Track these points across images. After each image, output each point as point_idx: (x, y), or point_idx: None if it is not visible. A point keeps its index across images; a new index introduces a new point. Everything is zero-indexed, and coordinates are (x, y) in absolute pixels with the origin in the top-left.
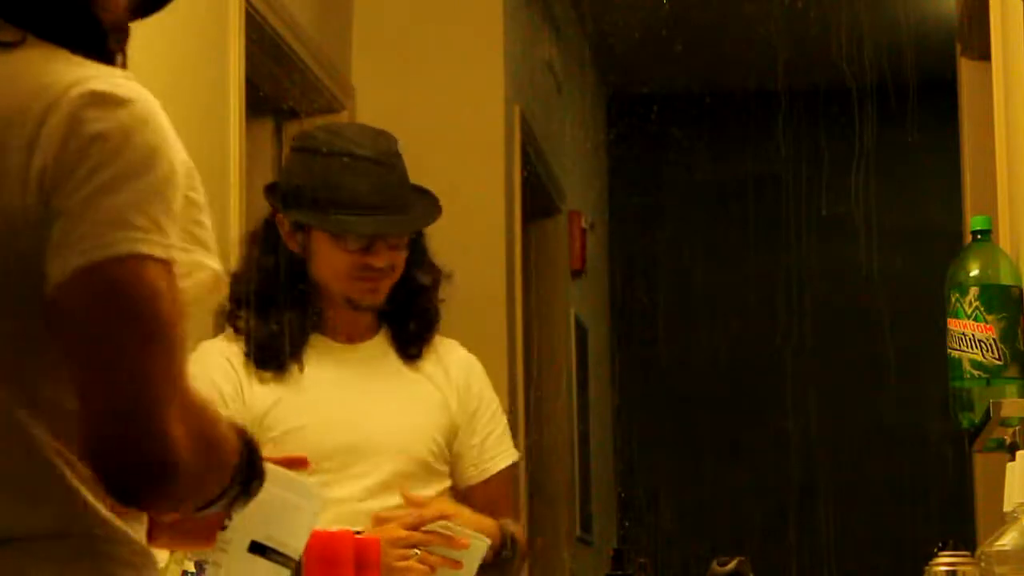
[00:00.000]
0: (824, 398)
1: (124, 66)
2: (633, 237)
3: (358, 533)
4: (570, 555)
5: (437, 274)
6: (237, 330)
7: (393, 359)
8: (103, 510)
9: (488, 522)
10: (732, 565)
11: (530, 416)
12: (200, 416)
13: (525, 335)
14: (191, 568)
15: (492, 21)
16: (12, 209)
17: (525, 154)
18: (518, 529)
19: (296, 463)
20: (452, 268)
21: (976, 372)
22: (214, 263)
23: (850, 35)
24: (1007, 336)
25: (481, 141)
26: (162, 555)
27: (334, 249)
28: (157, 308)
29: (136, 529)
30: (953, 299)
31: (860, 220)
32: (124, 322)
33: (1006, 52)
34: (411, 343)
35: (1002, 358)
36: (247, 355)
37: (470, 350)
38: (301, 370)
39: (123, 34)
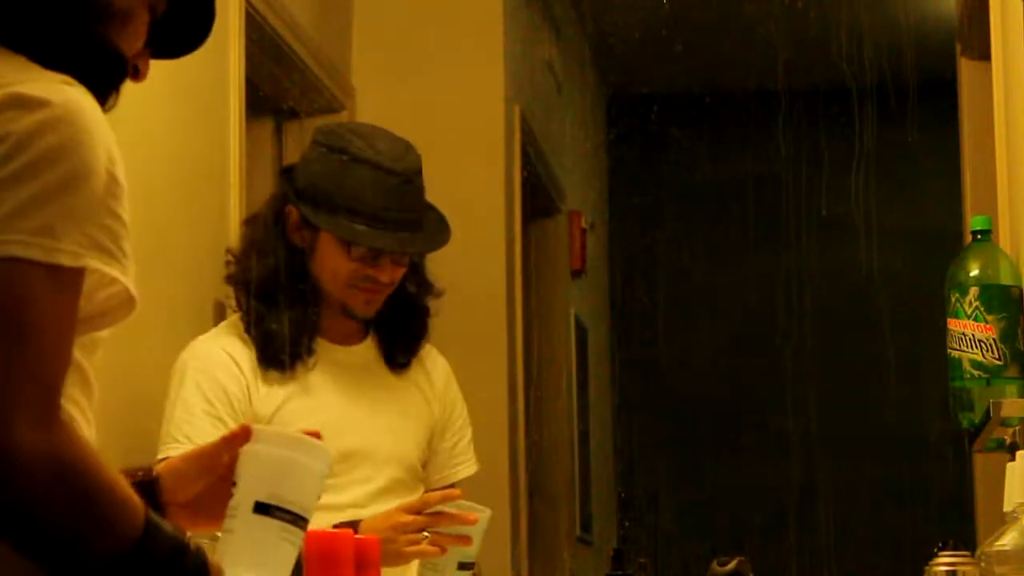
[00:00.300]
0: (824, 398)
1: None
2: (633, 237)
3: (351, 526)
4: (570, 555)
5: (430, 288)
6: (248, 328)
7: (380, 365)
8: None
9: None
10: (732, 565)
11: (530, 416)
12: (73, 446)
13: (525, 335)
14: None
15: (492, 21)
16: None
17: (525, 154)
18: None
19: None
20: (452, 269)
21: (976, 372)
22: (121, 276)
23: (850, 35)
24: (1007, 336)
25: (481, 141)
26: None
27: (339, 254)
28: (25, 313)
29: None
30: (953, 299)
31: (860, 220)
32: None
33: (1006, 52)
34: (399, 353)
35: (1002, 358)
36: (256, 352)
37: (470, 350)
38: (310, 366)
39: (128, 62)
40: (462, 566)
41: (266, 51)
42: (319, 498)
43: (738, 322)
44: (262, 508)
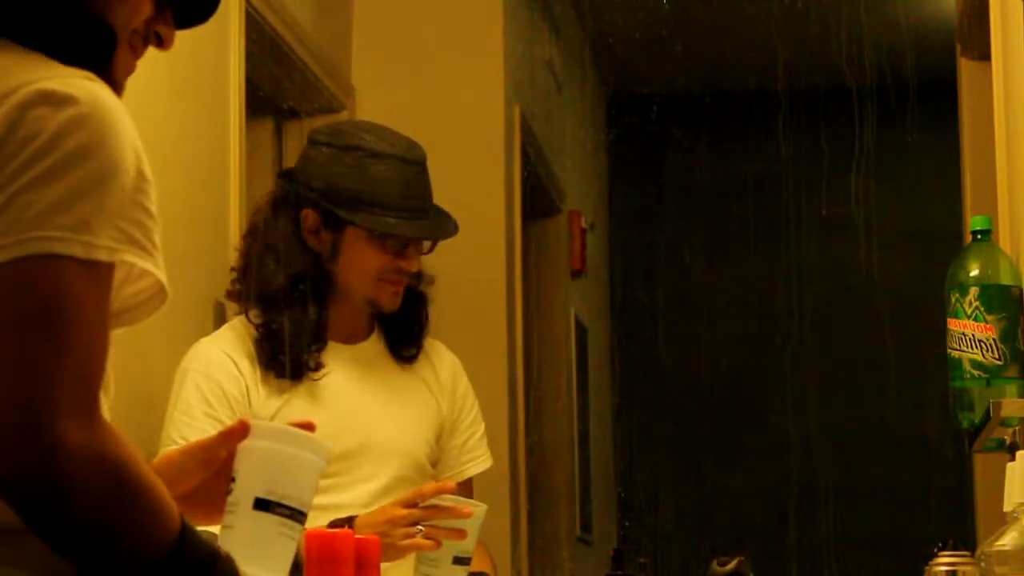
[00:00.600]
0: (824, 398)
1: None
2: (633, 237)
3: (347, 522)
4: (570, 555)
5: (423, 276)
6: (257, 329)
7: (388, 360)
8: None
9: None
10: (732, 565)
11: (530, 416)
12: (117, 444)
13: (525, 335)
14: None
15: (492, 21)
16: None
17: (525, 154)
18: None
19: (303, 428)
20: (452, 268)
21: (976, 372)
22: (155, 269)
23: (850, 35)
24: (1007, 336)
25: (481, 141)
26: None
27: (370, 250)
28: (65, 309)
29: None
30: (953, 299)
31: (860, 220)
32: (28, 321)
33: (1006, 52)
34: (407, 345)
35: (1002, 358)
36: (260, 357)
37: (470, 350)
38: (316, 372)
39: (136, 37)
40: (458, 560)
41: (266, 51)
42: (316, 491)
43: (738, 322)
44: (262, 504)
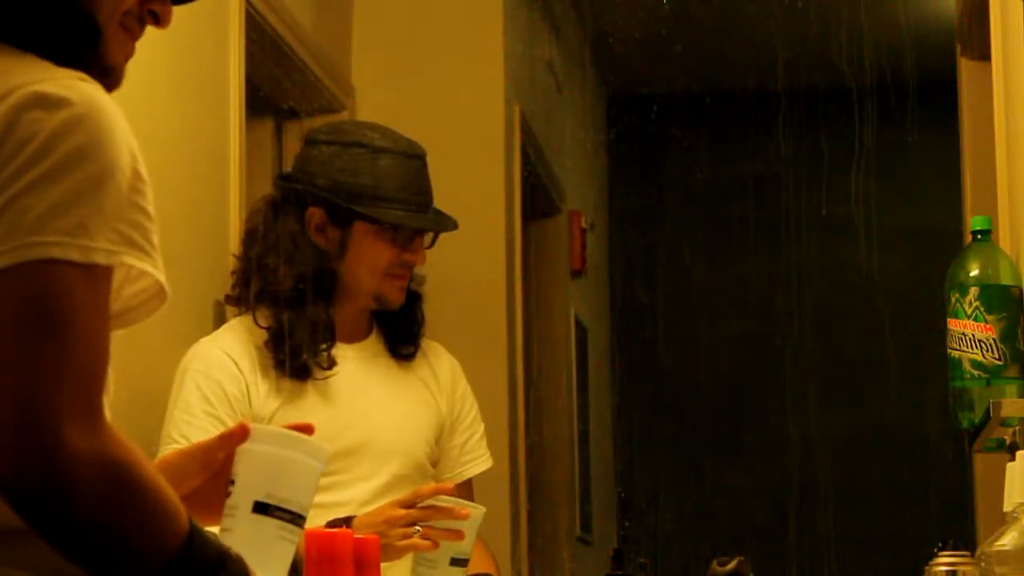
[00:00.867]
0: (824, 398)
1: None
2: (633, 237)
3: (345, 522)
4: (570, 555)
5: (420, 279)
6: (268, 331)
7: (387, 359)
8: None
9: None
10: (732, 565)
11: (530, 416)
12: (120, 446)
13: (525, 335)
14: None
15: (492, 21)
16: None
17: (525, 154)
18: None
19: (302, 431)
20: (452, 268)
21: (976, 372)
22: (153, 270)
23: (850, 35)
24: (1007, 336)
25: (481, 141)
26: None
27: (379, 244)
28: (66, 314)
29: None
30: (953, 299)
31: (860, 220)
32: (28, 326)
33: (1006, 52)
34: (405, 344)
35: (1002, 358)
36: (270, 358)
37: (470, 350)
38: (329, 371)
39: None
40: (455, 562)
41: (266, 51)
42: (315, 494)
43: (738, 322)
44: (261, 508)
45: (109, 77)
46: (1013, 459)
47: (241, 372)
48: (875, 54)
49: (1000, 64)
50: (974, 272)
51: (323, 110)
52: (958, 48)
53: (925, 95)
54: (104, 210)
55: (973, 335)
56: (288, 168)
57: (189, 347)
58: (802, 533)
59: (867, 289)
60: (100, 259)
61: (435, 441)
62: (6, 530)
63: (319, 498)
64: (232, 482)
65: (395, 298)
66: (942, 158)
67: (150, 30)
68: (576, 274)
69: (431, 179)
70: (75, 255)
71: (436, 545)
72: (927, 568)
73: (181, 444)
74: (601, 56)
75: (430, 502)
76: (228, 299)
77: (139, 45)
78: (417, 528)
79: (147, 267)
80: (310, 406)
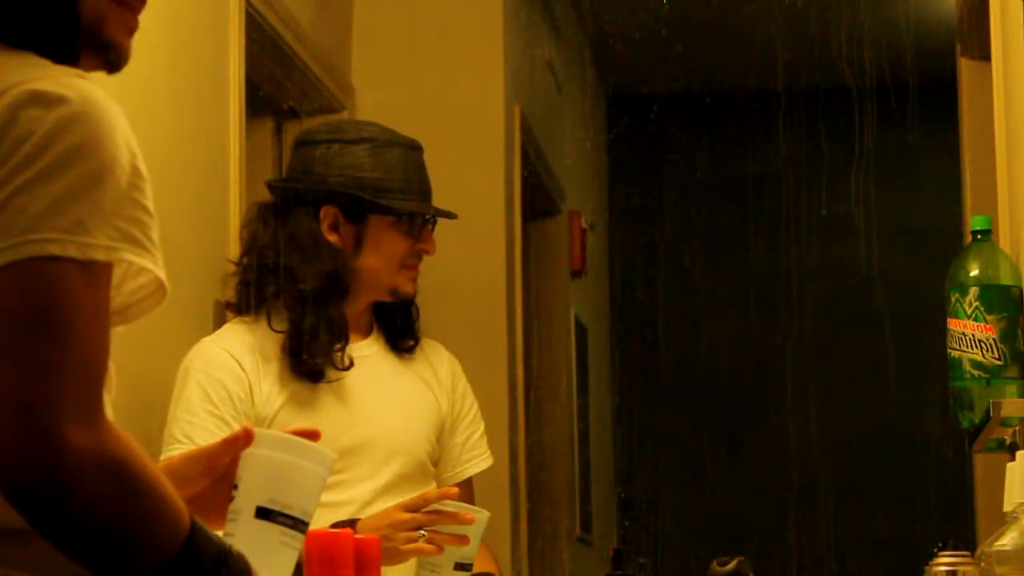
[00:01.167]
0: (824, 398)
1: (116, 53)
2: (633, 237)
3: (349, 524)
4: (570, 555)
5: None
6: (286, 333)
7: (389, 357)
8: None
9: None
10: (732, 565)
11: (530, 416)
12: (121, 444)
13: (525, 335)
14: None
15: (492, 21)
16: None
17: (525, 154)
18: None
19: (308, 437)
20: (452, 268)
21: (976, 372)
22: (153, 266)
23: (850, 35)
24: (1007, 336)
25: (481, 141)
26: None
27: (395, 235)
28: (65, 312)
29: None
30: (953, 299)
31: (860, 220)
32: (28, 324)
33: (1006, 52)
34: (405, 338)
35: (1002, 358)
36: (286, 360)
37: (470, 350)
38: (342, 370)
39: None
40: (459, 566)
41: (266, 51)
42: (319, 500)
43: (738, 322)
44: (263, 513)
45: (110, 52)
46: (1013, 459)
47: (244, 371)
48: (875, 54)
49: (1000, 64)
50: (974, 272)
51: (323, 110)
52: (958, 48)
53: (925, 95)
54: (103, 207)
55: (973, 335)
56: (284, 171)
57: (189, 347)
58: (802, 533)
59: (867, 289)
60: (99, 256)
61: (436, 440)
62: (6, 530)
63: (322, 497)
64: (235, 486)
65: (409, 289)
66: (942, 158)
67: (150, 30)
68: (576, 274)
69: (431, 180)
70: (74, 252)
71: (441, 550)
72: (927, 568)
73: (184, 444)
74: (601, 56)
75: (435, 506)
76: (228, 306)
77: (140, 45)
78: (422, 532)
79: (147, 263)
80: (314, 405)
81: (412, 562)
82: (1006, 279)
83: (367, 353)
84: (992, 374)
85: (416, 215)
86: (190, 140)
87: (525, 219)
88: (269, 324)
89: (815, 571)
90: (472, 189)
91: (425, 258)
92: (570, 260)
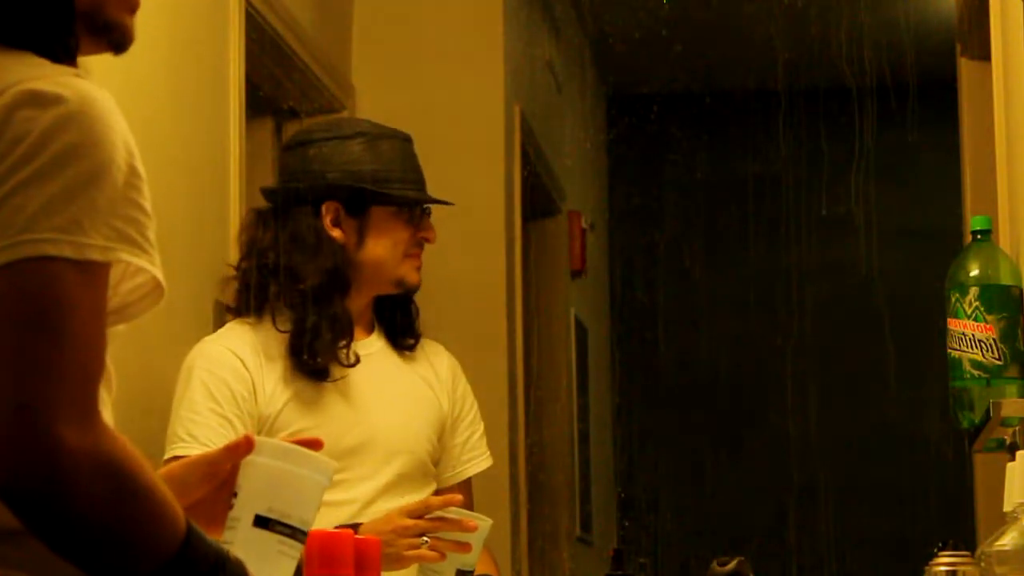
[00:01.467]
0: (824, 398)
1: (116, 40)
2: (633, 237)
3: (352, 528)
4: (570, 555)
5: None
6: (291, 333)
7: (391, 356)
8: None
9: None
10: (732, 565)
11: (530, 416)
12: (116, 445)
13: (525, 335)
14: None
15: (492, 21)
16: None
17: (525, 154)
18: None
19: (310, 446)
20: (452, 268)
21: (976, 372)
22: (150, 266)
23: (850, 35)
24: (1007, 336)
25: (481, 141)
26: None
27: (397, 224)
28: (61, 312)
29: None
30: (953, 299)
31: (860, 220)
32: (23, 324)
33: (1006, 52)
34: (405, 335)
35: (1002, 358)
36: (292, 355)
37: (470, 350)
38: (347, 367)
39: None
40: (460, 573)
41: (266, 51)
42: (319, 509)
43: (738, 322)
44: (262, 522)
45: (113, 34)
46: (1013, 459)
47: (248, 370)
48: (875, 54)
49: (1000, 64)
50: (974, 272)
51: (323, 110)
52: (958, 48)
53: (925, 95)
54: (99, 206)
55: (973, 335)
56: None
57: (189, 347)
58: (802, 533)
59: (867, 289)
60: (95, 256)
61: (437, 439)
62: (4, 531)
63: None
64: (235, 494)
65: (414, 278)
66: (942, 158)
67: (150, 30)
68: (576, 274)
69: (432, 180)
70: (69, 252)
71: (443, 556)
72: (927, 568)
73: (188, 443)
74: (601, 56)
75: (439, 513)
76: (229, 309)
77: (140, 45)
78: (425, 539)
79: (143, 263)
80: (319, 404)
81: (414, 568)
82: (1006, 279)
83: (371, 351)
84: (992, 374)
85: (416, 203)
86: (190, 140)
87: (525, 219)
88: (273, 324)
89: (815, 571)
90: (472, 189)
91: (426, 258)
92: (570, 260)
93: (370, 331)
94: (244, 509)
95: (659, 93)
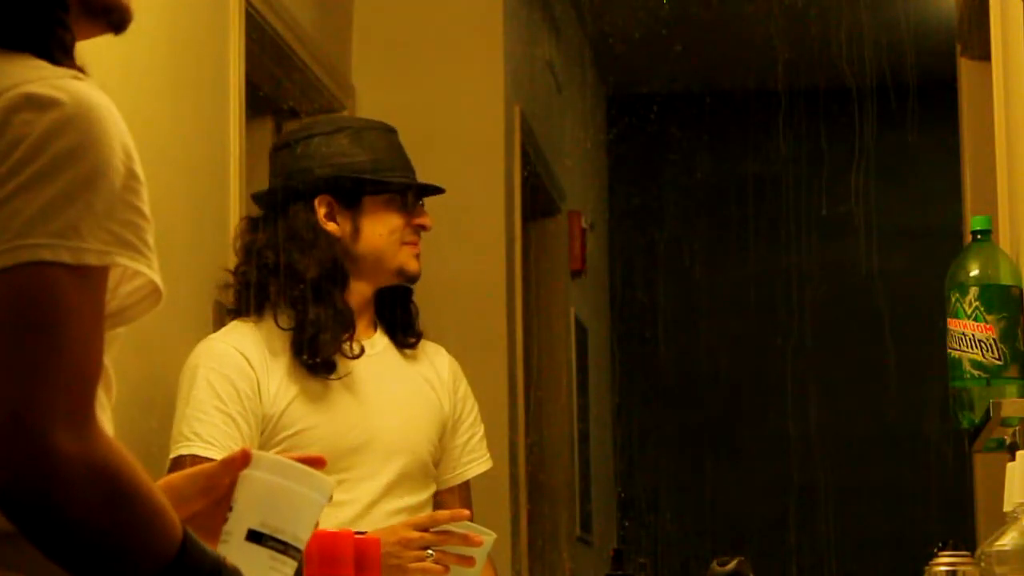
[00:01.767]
0: (824, 398)
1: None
2: (633, 237)
3: (360, 534)
4: (570, 555)
5: None
6: (294, 330)
7: (393, 355)
8: None
9: None
10: (732, 565)
11: (530, 416)
12: (112, 451)
13: (525, 335)
14: None
15: (492, 21)
16: None
17: (525, 154)
18: None
19: (313, 463)
20: (452, 268)
21: (976, 372)
22: (148, 270)
23: (850, 35)
24: (1007, 336)
25: (481, 141)
26: None
27: (391, 213)
28: (58, 317)
29: None
30: (953, 299)
31: (860, 220)
32: (19, 329)
33: (1006, 52)
34: (406, 333)
35: (1002, 358)
36: (296, 351)
37: (470, 350)
38: (351, 359)
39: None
40: None
41: (266, 51)
42: (315, 527)
43: (738, 322)
44: (254, 536)
45: (111, 15)
46: (1013, 459)
47: (252, 368)
48: (875, 54)
49: (1000, 64)
50: (974, 272)
51: (323, 110)
52: (958, 48)
53: (925, 95)
54: (96, 210)
55: (973, 335)
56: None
57: (189, 348)
58: (802, 533)
59: (867, 289)
60: (92, 260)
61: (438, 440)
62: (5, 532)
63: None
64: (231, 508)
65: (414, 266)
66: (942, 158)
67: (150, 31)
68: (576, 274)
69: (432, 179)
70: (66, 257)
71: (447, 570)
72: (927, 568)
73: (193, 441)
74: (601, 56)
75: (445, 527)
76: (230, 312)
77: (140, 45)
78: (430, 552)
79: (140, 267)
80: (325, 401)
81: None
82: (1006, 279)
83: (375, 350)
84: (992, 374)
85: (406, 188)
86: (190, 140)
87: (525, 219)
88: (275, 322)
89: (815, 571)
90: (472, 189)
91: (426, 258)
92: (570, 260)
93: (374, 330)
94: (238, 523)
95: (659, 93)
